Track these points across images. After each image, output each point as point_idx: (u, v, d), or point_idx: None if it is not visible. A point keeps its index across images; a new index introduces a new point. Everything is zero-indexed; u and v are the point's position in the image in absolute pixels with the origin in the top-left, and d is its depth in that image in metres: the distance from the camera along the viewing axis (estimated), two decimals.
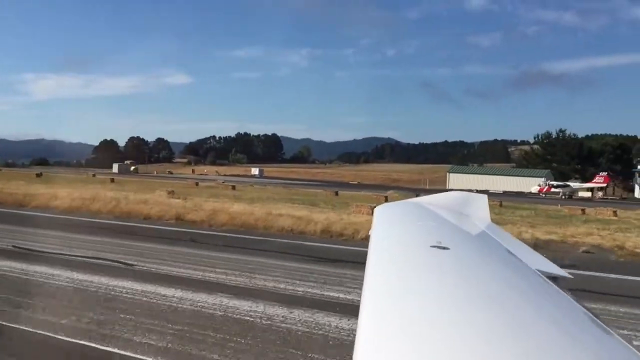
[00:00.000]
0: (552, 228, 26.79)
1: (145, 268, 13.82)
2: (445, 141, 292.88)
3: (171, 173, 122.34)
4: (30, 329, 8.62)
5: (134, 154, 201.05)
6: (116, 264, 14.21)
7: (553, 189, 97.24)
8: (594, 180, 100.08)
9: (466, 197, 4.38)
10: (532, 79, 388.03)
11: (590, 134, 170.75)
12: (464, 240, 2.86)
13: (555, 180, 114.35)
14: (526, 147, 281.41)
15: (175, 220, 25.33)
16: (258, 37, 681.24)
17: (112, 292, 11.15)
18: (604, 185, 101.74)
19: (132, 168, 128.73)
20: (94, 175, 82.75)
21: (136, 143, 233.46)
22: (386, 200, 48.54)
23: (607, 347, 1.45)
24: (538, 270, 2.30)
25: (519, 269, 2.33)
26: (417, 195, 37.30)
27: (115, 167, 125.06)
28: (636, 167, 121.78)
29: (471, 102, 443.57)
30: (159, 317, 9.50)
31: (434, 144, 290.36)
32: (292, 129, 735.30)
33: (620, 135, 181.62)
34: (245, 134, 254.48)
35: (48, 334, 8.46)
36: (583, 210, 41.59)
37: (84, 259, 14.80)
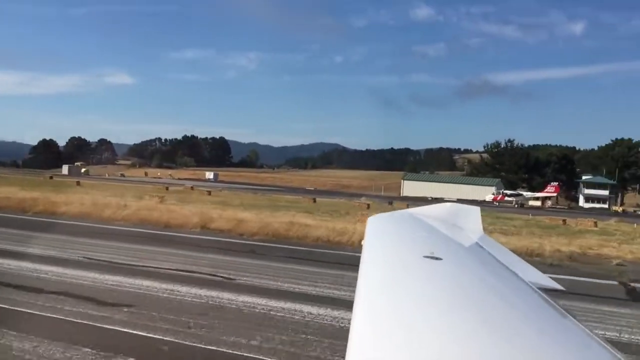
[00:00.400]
0: (561, 239, 27.88)
1: (245, 282, 13.62)
2: (392, 148, 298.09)
3: (123, 176, 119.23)
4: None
5: (76, 155, 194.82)
6: (215, 277, 13.93)
7: (507, 198, 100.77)
8: (546, 190, 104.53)
9: (458, 208, 4.36)
10: (476, 89, 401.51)
11: (532, 144, 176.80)
12: (457, 251, 2.88)
13: (506, 188, 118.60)
14: (470, 156, 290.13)
15: (201, 228, 24.89)
16: (205, 39, 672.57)
17: (250, 309, 10.98)
18: (555, 194, 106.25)
19: (83, 170, 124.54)
20: (51, 178, 79.73)
21: (77, 143, 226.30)
22: (368, 208, 49.17)
23: (601, 357, 1.47)
24: (531, 282, 2.31)
25: (511, 280, 2.35)
26: (390, 203, 38.74)
27: (65, 169, 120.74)
28: (580, 178, 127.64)
29: (417, 110, 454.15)
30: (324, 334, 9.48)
31: (381, 151, 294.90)
32: (239, 133, 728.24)
33: (560, 145, 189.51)
34: (193, 136, 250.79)
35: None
36: (564, 220, 43.40)
37: (173, 271, 14.43)
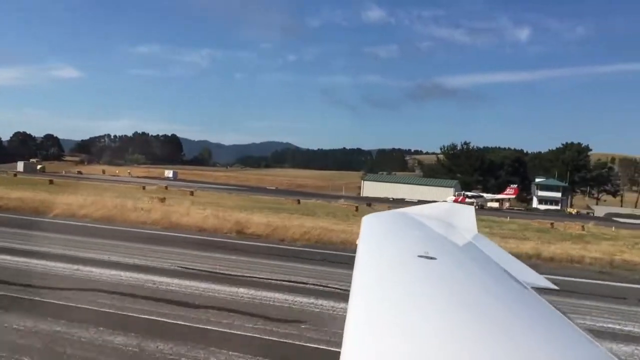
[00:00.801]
0: (574, 245, 29.04)
1: None
2: (344, 148, 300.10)
3: (81, 173, 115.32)
4: None
5: (21, 150, 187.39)
6: (331, 289, 14.05)
7: (467, 199, 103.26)
8: (505, 192, 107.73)
9: (453, 208, 4.45)
10: (427, 91, 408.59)
11: (483, 147, 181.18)
12: (451, 250, 2.93)
13: (461, 190, 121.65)
14: (421, 157, 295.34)
15: (236, 233, 24.75)
16: (156, 34, 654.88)
17: None
18: (513, 196, 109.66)
19: (39, 167, 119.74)
20: (15, 175, 76.48)
21: (22, 138, 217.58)
22: (357, 210, 49.71)
23: (592, 356, 1.52)
24: (524, 281, 2.35)
25: (505, 280, 2.39)
26: (369, 205, 39.57)
27: (20, 165, 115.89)
28: (534, 180, 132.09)
29: (369, 110, 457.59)
30: None
31: (333, 151, 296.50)
32: (189, 130, 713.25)
33: (510, 148, 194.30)
34: (143, 133, 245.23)
35: None
36: (552, 224, 45.10)
37: (286, 282, 14.45)
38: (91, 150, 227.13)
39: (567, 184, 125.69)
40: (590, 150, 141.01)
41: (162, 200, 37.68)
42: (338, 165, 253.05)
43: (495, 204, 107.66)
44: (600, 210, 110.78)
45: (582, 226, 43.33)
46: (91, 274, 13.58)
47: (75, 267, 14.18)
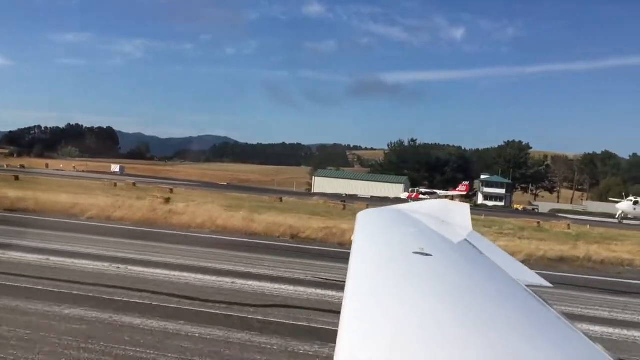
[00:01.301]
0: (602, 247, 30.17)
1: None
2: (283, 143, 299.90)
3: (24, 167, 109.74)
4: None
5: None
6: None
7: (421, 196, 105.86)
8: (458, 189, 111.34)
9: (448, 205, 4.50)
10: (368, 87, 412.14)
11: (424, 143, 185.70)
12: (446, 247, 2.96)
13: (411, 187, 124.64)
14: (361, 152, 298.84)
15: (291, 237, 24.58)
16: (86, 23, 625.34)
17: None
18: (465, 192, 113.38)
19: None
20: None
21: None
22: (344, 209, 50.14)
23: (585, 354, 1.55)
24: (519, 279, 2.39)
25: (500, 277, 2.42)
26: (343, 202, 40.68)
27: None
28: (479, 177, 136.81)
29: (309, 105, 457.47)
30: None
31: (272, 145, 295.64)
32: (123, 123, 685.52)
33: (450, 145, 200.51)
34: (77, 125, 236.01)
35: None
36: (538, 223, 46.93)
37: None
38: (20, 142, 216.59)
39: (510, 181, 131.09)
40: (531, 148, 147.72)
41: (167, 200, 36.57)
42: (278, 160, 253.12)
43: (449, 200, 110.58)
44: (544, 207, 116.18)
45: (568, 225, 45.39)
46: (263, 289, 13.31)
47: (241, 281, 13.83)
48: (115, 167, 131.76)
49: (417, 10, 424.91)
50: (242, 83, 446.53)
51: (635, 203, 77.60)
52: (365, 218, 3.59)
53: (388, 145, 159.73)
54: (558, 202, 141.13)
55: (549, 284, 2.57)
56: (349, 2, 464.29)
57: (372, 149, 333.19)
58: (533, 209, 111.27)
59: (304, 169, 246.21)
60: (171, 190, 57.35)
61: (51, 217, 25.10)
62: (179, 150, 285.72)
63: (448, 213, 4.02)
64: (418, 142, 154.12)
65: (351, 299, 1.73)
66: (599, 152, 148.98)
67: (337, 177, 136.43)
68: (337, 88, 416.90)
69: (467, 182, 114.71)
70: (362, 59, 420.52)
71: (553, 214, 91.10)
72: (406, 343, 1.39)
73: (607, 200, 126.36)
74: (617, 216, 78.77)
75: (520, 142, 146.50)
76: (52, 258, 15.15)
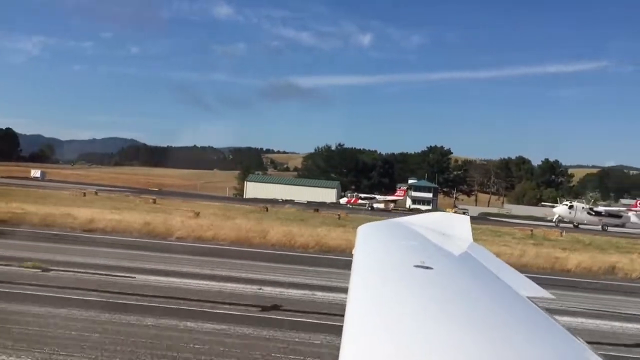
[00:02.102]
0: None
1: None
2: (195, 145, 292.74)
3: None
4: None
5: None
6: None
7: (360, 201, 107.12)
8: (396, 194, 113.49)
9: (448, 217, 4.52)
10: (280, 90, 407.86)
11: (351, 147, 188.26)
12: (447, 260, 2.98)
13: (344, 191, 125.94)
14: (274, 156, 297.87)
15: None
16: None
17: None
18: (401, 197, 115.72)
19: None
20: None
21: None
22: (339, 218, 49.69)
23: None
24: (520, 291, 2.41)
25: (502, 289, 2.44)
26: (316, 211, 42.06)
27: None
28: (404, 182, 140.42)
29: (220, 108, 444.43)
30: None
31: (183, 148, 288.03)
32: (20, 123, 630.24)
33: (364, 150, 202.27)
34: None
35: None
36: (531, 230, 48.18)
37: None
38: None
39: (436, 185, 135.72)
40: (452, 153, 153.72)
41: (197, 214, 34.66)
42: (190, 164, 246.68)
43: (381, 205, 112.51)
44: (473, 210, 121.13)
45: (561, 233, 47.07)
46: None
47: None
48: (36, 172, 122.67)
49: (327, 15, 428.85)
50: (149, 84, 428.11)
51: (570, 207, 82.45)
52: (366, 231, 3.62)
53: (315, 150, 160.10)
54: (476, 205, 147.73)
55: (551, 296, 2.58)
56: (258, 5, 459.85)
57: (284, 152, 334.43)
58: (463, 213, 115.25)
59: (217, 172, 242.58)
60: (154, 201, 54.25)
61: (141, 238, 23.19)
62: (82, 153, 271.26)
63: (448, 225, 4.05)
64: (347, 146, 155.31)
65: (353, 312, 1.73)
66: (513, 157, 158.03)
67: (269, 182, 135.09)
68: (249, 91, 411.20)
69: (404, 187, 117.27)
70: (273, 63, 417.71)
71: (483, 217, 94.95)
72: (409, 356, 1.40)
73: (523, 203, 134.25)
74: (554, 220, 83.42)
75: (442, 147, 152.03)
76: (228, 284, 14.09)
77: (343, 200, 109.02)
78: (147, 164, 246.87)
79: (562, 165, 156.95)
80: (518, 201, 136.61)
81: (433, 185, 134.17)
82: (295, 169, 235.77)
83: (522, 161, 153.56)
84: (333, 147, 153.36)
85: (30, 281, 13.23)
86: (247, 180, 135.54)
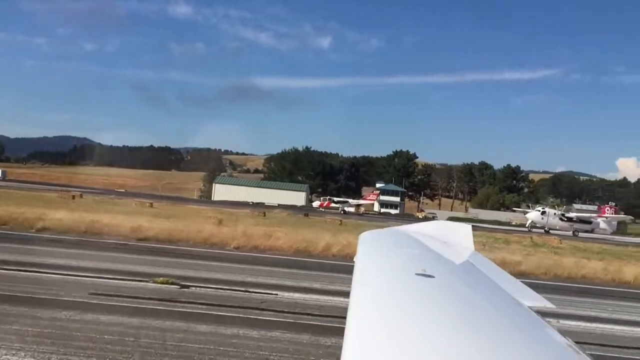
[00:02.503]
0: None
1: None
2: (152, 146, 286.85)
3: None
4: None
5: None
6: None
7: (333, 204, 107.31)
8: (369, 197, 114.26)
9: (449, 226, 4.54)
10: (238, 90, 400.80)
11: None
12: (449, 268, 3.04)
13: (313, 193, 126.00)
14: (232, 157, 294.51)
15: None
16: None
17: None
18: (374, 201, 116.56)
19: None
20: None
21: None
22: (341, 224, 49.66)
23: None
24: (522, 301, 2.43)
25: (503, 299, 2.45)
26: (306, 215, 43.39)
27: None
28: (374, 186, 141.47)
29: (179, 108, 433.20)
30: None
31: (140, 148, 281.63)
32: None
33: (324, 152, 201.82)
34: None
35: None
36: (531, 238, 49.17)
37: None
38: None
39: (404, 189, 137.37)
40: (417, 158, 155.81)
41: (220, 222, 34.00)
42: (147, 164, 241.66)
43: (352, 209, 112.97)
44: (441, 215, 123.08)
45: (560, 240, 48.23)
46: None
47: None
48: None
49: (286, 17, 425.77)
50: (105, 82, 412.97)
51: (543, 213, 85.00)
52: (368, 238, 3.71)
53: (282, 151, 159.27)
54: (439, 208, 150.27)
55: (552, 305, 2.61)
56: (217, 4, 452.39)
57: (243, 153, 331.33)
58: (433, 217, 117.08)
59: (175, 173, 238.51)
60: (151, 205, 52.81)
61: (205, 249, 22.59)
62: (33, 152, 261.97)
63: (449, 234, 4.11)
64: (313, 149, 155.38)
65: (354, 320, 1.77)
66: (476, 162, 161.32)
67: (237, 185, 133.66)
68: (207, 91, 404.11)
69: (377, 191, 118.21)
70: (232, 63, 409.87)
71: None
72: None
73: (487, 208, 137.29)
74: (527, 225, 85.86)
75: (408, 151, 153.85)
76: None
77: (316, 204, 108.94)
78: (101, 164, 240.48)
79: (523, 170, 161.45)
80: (481, 206, 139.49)
81: (401, 189, 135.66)
82: (257, 171, 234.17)
83: (484, 166, 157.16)
84: (300, 149, 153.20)
85: (178, 298, 12.83)
86: (215, 183, 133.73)
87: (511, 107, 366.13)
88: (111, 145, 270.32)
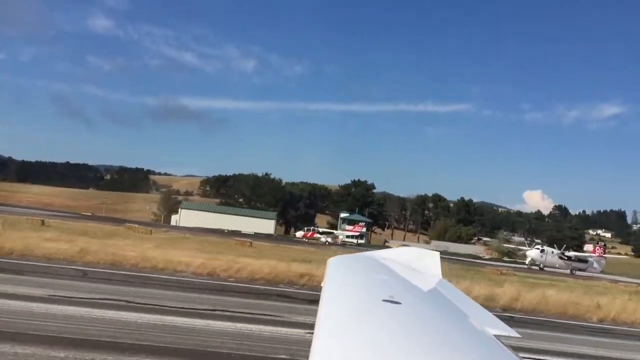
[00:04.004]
0: None
1: None
2: (67, 162, 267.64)
3: None
4: None
5: None
6: None
7: (316, 235, 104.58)
8: (355, 229, 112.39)
9: (418, 253, 4.49)
10: (163, 110, 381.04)
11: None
12: (416, 295, 3.01)
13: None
14: (158, 178, 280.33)
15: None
16: None
17: None
18: (359, 232, 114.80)
19: None
20: None
21: None
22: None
23: None
24: (487, 329, 2.43)
25: (468, 327, 2.49)
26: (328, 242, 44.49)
27: None
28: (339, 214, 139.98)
29: (96, 123, 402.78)
30: None
31: (54, 164, 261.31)
32: None
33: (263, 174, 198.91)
34: None
35: None
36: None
37: None
38: None
39: (370, 220, 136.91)
40: (375, 188, 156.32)
41: (250, 245, 30.82)
42: (63, 180, 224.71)
43: (329, 239, 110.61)
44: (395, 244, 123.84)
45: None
46: None
47: None
48: None
49: (210, 38, 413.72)
50: (16, 93, 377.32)
51: (542, 251, 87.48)
52: (336, 263, 3.66)
53: (220, 175, 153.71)
54: (392, 239, 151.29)
55: (517, 334, 2.62)
56: (139, 21, 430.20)
57: (166, 174, 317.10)
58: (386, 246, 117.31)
59: (93, 191, 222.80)
60: (250, 244, 47.10)
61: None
62: None
63: (418, 261, 4.10)
64: (273, 176, 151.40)
65: (320, 346, 1.76)
66: (430, 194, 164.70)
67: (202, 210, 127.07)
68: (124, 107, 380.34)
69: (362, 222, 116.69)
70: (153, 81, 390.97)
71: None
72: None
73: (444, 239, 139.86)
74: (527, 262, 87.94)
75: (365, 181, 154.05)
76: None
77: (299, 234, 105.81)
78: (12, 179, 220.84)
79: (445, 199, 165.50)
80: (439, 238, 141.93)
81: (367, 219, 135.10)
82: (187, 193, 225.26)
83: (438, 198, 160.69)
84: (260, 175, 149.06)
85: None
86: (181, 208, 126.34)
87: (427, 138, 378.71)
88: (23, 160, 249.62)
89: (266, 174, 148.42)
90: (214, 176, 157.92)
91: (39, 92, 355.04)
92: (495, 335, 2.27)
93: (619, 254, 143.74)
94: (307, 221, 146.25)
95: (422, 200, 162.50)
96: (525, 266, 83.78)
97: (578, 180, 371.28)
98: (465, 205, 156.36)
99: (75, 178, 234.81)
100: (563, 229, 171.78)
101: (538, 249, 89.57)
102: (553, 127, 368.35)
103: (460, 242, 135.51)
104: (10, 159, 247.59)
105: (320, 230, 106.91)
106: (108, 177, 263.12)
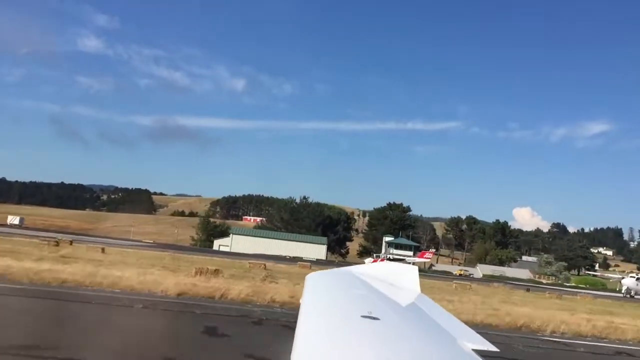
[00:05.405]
0: None
1: None
2: (62, 182, 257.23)
3: None
4: None
5: None
6: None
7: (386, 261, 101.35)
8: (425, 255, 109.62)
9: (396, 268, 4.49)
10: (154, 130, 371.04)
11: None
12: (395, 310, 2.97)
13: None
14: (157, 197, 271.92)
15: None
16: None
17: None
18: (430, 259, 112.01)
19: None
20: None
21: None
22: (470, 288, 45.48)
23: None
24: (466, 344, 2.41)
25: (447, 341, 2.45)
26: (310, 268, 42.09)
27: None
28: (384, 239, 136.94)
29: (94, 144, 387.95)
30: None
31: (49, 185, 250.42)
32: None
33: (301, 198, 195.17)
34: None
35: None
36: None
37: None
38: None
39: (418, 244, 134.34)
40: (411, 210, 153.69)
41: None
42: (59, 201, 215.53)
43: None
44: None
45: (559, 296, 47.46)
46: None
47: None
48: (14, 219, 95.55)
49: (200, 58, 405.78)
50: (9, 114, 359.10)
51: (638, 279, 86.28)
52: (314, 280, 3.65)
53: (230, 196, 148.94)
54: (437, 262, 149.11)
55: (495, 349, 2.58)
56: (129, 41, 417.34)
57: (161, 193, 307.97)
58: (469, 275, 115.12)
59: (90, 212, 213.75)
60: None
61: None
62: None
63: (396, 276, 4.05)
64: (311, 200, 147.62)
65: None
66: (463, 216, 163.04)
67: (253, 236, 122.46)
68: (115, 127, 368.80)
69: (433, 250, 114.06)
70: (143, 101, 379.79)
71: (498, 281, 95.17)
72: None
73: (486, 263, 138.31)
74: (623, 291, 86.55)
75: (401, 204, 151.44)
76: None
77: (368, 261, 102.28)
78: (8, 201, 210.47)
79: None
80: (480, 261, 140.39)
81: (414, 243, 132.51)
82: (192, 214, 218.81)
83: (472, 221, 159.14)
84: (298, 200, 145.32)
85: None
86: (232, 233, 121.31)
87: (416, 155, 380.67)
88: (17, 181, 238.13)
89: (304, 198, 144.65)
90: (224, 197, 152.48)
91: (28, 113, 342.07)
92: (474, 350, 2.25)
93: None
94: (342, 245, 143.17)
95: (455, 222, 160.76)
96: (621, 295, 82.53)
97: (567, 197, 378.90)
98: (501, 228, 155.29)
99: (72, 199, 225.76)
100: (575, 249, 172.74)
101: (633, 277, 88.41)
102: (540, 144, 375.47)
103: (499, 265, 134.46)
104: (3, 179, 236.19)
105: (390, 257, 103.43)
106: (105, 197, 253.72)
